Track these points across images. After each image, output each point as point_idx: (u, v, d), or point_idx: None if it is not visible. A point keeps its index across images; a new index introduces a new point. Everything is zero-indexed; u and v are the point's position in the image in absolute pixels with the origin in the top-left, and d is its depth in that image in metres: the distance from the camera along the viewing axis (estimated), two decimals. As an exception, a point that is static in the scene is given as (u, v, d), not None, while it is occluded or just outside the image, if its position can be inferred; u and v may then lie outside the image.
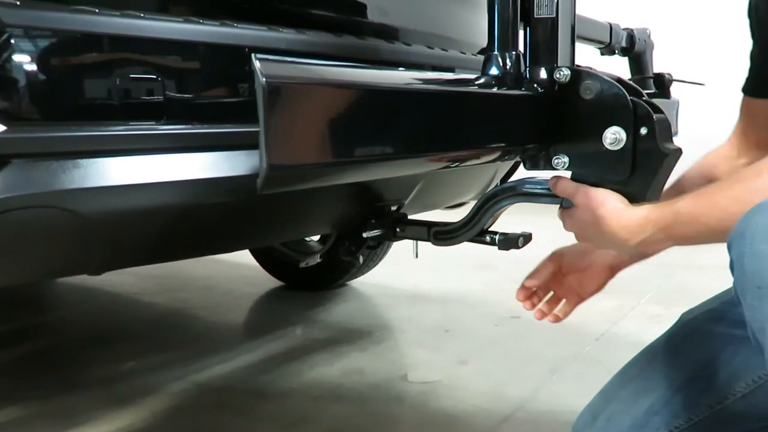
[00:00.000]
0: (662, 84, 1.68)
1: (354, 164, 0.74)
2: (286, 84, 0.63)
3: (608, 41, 1.71)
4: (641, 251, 0.90)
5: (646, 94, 1.25)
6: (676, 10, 3.72)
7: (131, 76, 0.82)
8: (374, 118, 0.73)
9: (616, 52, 1.78)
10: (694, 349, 0.98)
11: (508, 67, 0.95)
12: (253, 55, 0.61)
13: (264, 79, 0.60)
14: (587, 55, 1.49)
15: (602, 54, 1.78)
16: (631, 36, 1.78)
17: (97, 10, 0.78)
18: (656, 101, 1.21)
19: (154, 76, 0.84)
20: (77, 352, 1.92)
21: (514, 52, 0.96)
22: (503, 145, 0.95)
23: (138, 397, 1.57)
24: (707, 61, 3.40)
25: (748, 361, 0.89)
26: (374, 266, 2.35)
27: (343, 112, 0.69)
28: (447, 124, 0.83)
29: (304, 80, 0.66)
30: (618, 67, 1.77)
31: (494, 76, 0.94)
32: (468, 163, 1.02)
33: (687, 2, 3.77)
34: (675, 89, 1.70)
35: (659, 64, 1.83)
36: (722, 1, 3.66)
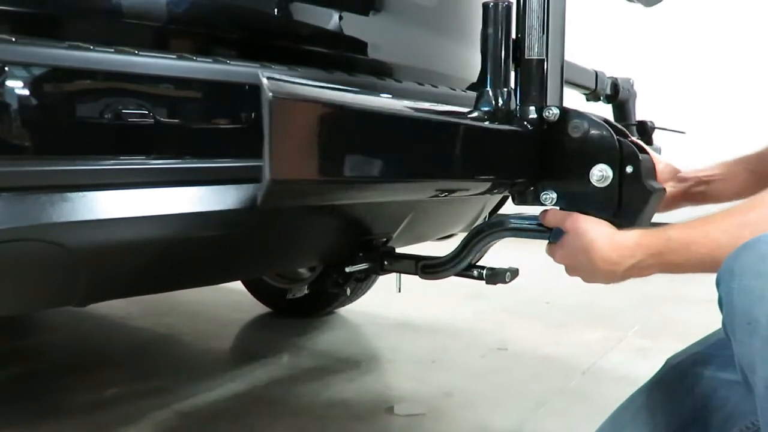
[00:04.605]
0: (645, 131, 1.73)
1: (352, 184, 0.76)
2: (291, 100, 0.65)
3: (594, 87, 1.76)
4: (630, 277, 0.91)
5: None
6: (659, 61, 3.88)
7: (122, 111, 0.83)
8: (374, 141, 0.75)
9: (601, 98, 1.83)
10: (684, 394, 0.97)
11: (499, 103, 0.98)
12: (259, 72, 0.64)
13: (270, 94, 0.62)
14: (575, 101, 1.54)
15: (587, 100, 1.84)
16: (615, 84, 1.84)
17: (91, 47, 0.79)
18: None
19: (145, 112, 0.85)
20: (60, 378, 1.89)
21: (505, 90, 0.99)
22: (495, 178, 0.98)
23: (120, 426, 1.54)
24: (688, 110, 3.54)
25: (739, 406, 0.88)
26: (363, 294, 2.34)
27: (345, 131, 0.72)
28: (445, 151, 0.86)
29: (307, 98, 0.69)
30: (604, 114, 1.83)
31: (486, 111, 0.97)
32: (462, 192, 1.04)
33: (670, 54, 3.92)
34: (657, 137, 1.76)
35: (642, 112, 1.89)
36: (704, 54, 3.81)
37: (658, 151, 1.67)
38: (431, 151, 0.85)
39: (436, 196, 0.99)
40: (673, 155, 1.34)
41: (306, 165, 0.68)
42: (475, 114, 0.97)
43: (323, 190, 0.76)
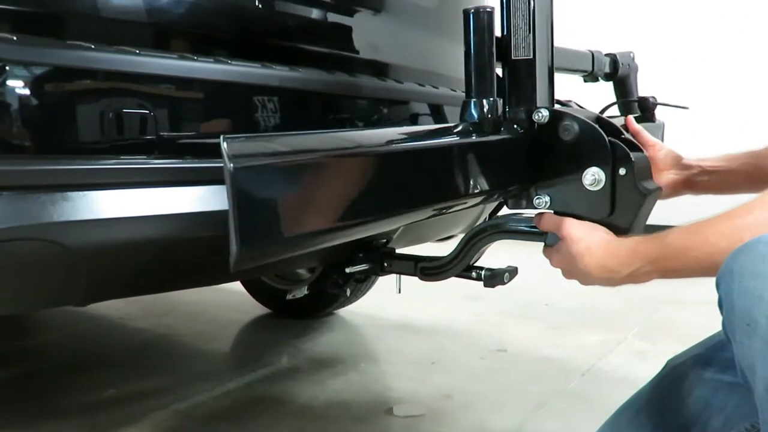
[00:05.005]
0: (647, 107, 1.67)
1: (329, 232, 0.72)
2: (256, 166, 0.60)
3: (590, 69, 1.71)
4: (629, 283, 0.90)
5: (632, 117, 1.28)
6: (662, 33, 3.80)
7: (122, 111, 0.83)
8: (350, 185, 0.71)
9: (600, 78, 1.78)
10: (684, 396, 0.96)
11: (485, 112, 0.94)
12: (222, 136, 0.59)
13: (231, 165, 0.56)
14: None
15: (585, 81, 1.78)
16: (614, 60, 1.76)
17: (93, 46, 0.79)
18: (642, 125, 1.23)
19: (145, 111, 0.85)
20: (60, 378, 1.89)
21: (491, 98, 0.94)
22: (485, 190, 0.94)
23: (120, 426, 1.54)
24: (692, 84, 3.46)
25: (740, 408, 0.88)
26: (363, 296, 2.34)
27: (317, 183, 0.67)
28: (425, 180, 0.82)
29: (274, 160, 0.64)
30: (605, 89, 1.79)
31: (472, 123, 0.93)
32: (449, 211, 1.02)
33: (673, 26, 3.85)
34: (660, 112, 1.69)
35: (646, 86, 1.81)
36: (708, 25, 3.75)
37: (661, 126, 1.63)
38: (416, 180, 0.81)
39: (427, 219, 0.97)
40: (677, 130, 1.30)
41: (278, 227, 0.63)
42: (460, 128, 0.93)
43: (301, 245, 0.71)
